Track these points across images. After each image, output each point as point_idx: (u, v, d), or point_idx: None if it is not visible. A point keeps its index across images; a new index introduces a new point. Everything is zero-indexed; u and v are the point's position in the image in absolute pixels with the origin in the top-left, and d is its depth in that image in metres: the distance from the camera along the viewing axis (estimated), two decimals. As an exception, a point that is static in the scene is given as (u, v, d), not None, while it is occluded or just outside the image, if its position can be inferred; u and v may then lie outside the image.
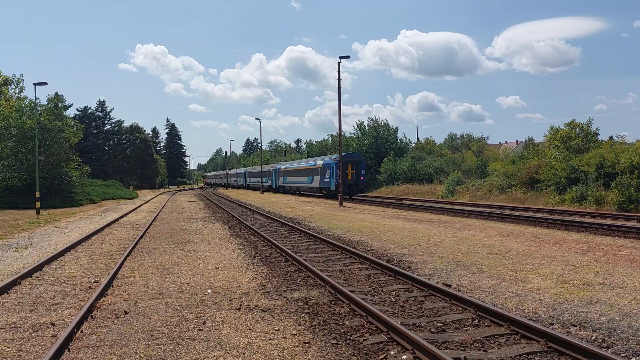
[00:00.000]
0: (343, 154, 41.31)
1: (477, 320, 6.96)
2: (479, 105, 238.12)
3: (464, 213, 25.33)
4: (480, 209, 28.52)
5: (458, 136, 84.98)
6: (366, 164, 51.99)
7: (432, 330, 6.59)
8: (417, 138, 79.03)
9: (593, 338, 6.21)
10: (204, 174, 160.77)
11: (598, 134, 42.10)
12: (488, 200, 35.37)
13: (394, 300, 8.20)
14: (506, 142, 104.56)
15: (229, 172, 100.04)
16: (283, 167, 57.90)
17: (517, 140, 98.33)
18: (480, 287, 8.96)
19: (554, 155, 39.02)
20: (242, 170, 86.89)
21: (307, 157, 66.45)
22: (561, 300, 7.92)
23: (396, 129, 63.05)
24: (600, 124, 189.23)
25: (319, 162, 45.51)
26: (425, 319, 7.08)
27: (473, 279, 9.58)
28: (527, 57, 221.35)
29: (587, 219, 21.19)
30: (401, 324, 6.59)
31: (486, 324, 6.83)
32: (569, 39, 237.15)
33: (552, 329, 6.45)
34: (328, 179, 41.88)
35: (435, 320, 7.00)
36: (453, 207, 29.81)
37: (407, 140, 64.78)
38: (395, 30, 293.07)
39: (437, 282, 9.14)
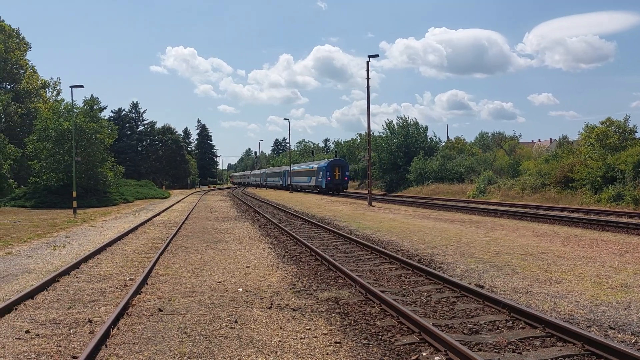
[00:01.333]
0: (331, 160, 54.32)
1: (511, 322, 6.84)
2: (510, 102, 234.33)
3: (496, 213, 24.92)
4: (513, 208, 28.00)
5: (489, 134, 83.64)
6: (397, 164, 53.53)
7: (465, 331, 6.51)
8: (447, 137, 78.25)
9: (632, 341, 6.04)
10: (231, 174, 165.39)
11: (636, 132, 40.83)
12: (521, 200, 34.71)
13: (425, 301, 8.14)
14: (539, 141, 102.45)
15: (251, 173, 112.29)
16: (290, 169, 67.18)
17: (550, 139, 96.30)
18: (513, 288, 8.80)
19: (589, 153, 38.01)
20: (262, 171, 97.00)
21: (336, 157, 72.62)
22: (598, 302, 7.72)
23: (426, 128, 62.47)
24: (638, 121, 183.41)
25: (315, 165, 56.75)
26: (458, 320, 7.00)
27: (506, 280, 9.42)
28: (560, 54, 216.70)
29: (624, 219, 20.56)
30: (433, 324, 6.53)
31: (520, 325, 6.71)
32: (603, 34, 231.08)
33: (589, 331, 6.29)
34: (320, 179, 52.53)
35: (468, 322, 6.91)
36: (485, 207, 29.36)
37: (437, 139, 64.12)
38: (423, 28, 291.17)
39: (470, 283, 9.02)
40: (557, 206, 28.20)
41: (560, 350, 5.80)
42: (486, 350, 5.84)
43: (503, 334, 6.42)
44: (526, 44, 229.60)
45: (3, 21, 55.56)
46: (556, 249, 12.77)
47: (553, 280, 9.29)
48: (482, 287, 8.84)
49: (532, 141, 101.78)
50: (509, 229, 17.54)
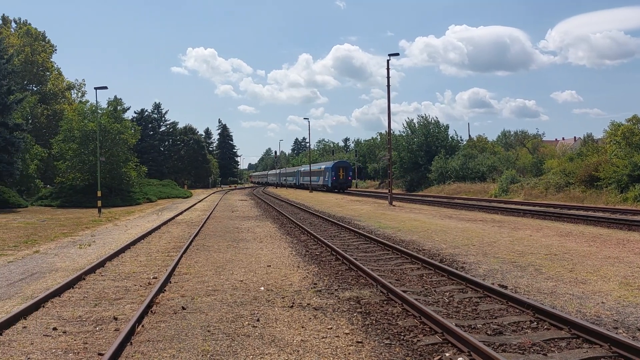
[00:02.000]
0: (336, 162, 61.76)
1: (535, 323, 6.75)
2: (533, 100, 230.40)
3: (519, 212, 24.59)
4: (537, 208, 27.60)
5: (512, 133, 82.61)
6: (417, 163, 53.73)
7: (489, 332, 6.44)
8: (469, 135, 77.33)
9: (662, 344, 5.89)
10: (250, 174, 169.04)
11: (663, 129, 39.80)
12: (544, 199, 34.19)
13: (447, 301, 8.07)
14: (563, 139, 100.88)
15: (268, 173, 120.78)
16: (302, 169, 76.04)
17: (574, 137, 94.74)
18: (538, 288, 8.68)
19: (615, 152, 37.24)
20: (278, 171, 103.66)
21: (356, 156, 75.89)
22: (625, 304, 7.57)
23: (447, 127, 61.95)
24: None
25: (322, 166, 64.49)
26: (481, 321, 6.93)
27: (530, 281, 9.29)
28: (584, 50, 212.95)
29: (652, 219, 20.09)
30: (456, 325, 6.48)
31: (545, 326, 6.61)
32: (628, 29, 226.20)
33: (617, 333, 6.18)
34: (327, 179, 59.71)
35: (492, 322, 6.84)
36: (507, 206, 28.98)
37: (459, 138, 63.52)
38: (444, 26, 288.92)
39: (493, 283, 8.92)
40: (581, 205, 27.70)
41: (587, 352, 5.70)
42: (510, 352, 5.77)
43: (527, 335, 6.33)
44: (549, 40, 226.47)
45: (29, 24, 56.79)
46: (581, 249, 12.55)
47: (578, 281, 9.13)
48: (506, 287, 8.74)
49: (556, 139, 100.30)
50: (533, 228, 17.29)
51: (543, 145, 74.02)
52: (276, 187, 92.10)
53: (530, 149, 66.46)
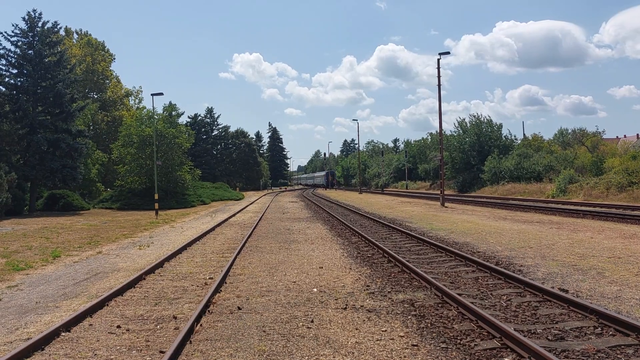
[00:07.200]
0: (327, 170, 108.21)
1: (599, 329, 6.47)
2: (590, 97, 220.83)
3: (578, 213, 23.60)
4: (597, 209, 26.40)
5: (569, 131, 79.29)
6: (470, 163, 52.77)
7: (550, 337, 6.23)
8: (523, 134, 75.02)
9: None
10: (292, 176, 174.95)
11: None
12: (605, 199, 32.66)
13: (505, 305, 7.86)
14: (625, 136, 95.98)
15: (300, 177, 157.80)
16: (315, 175, 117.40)
17: (637, 134, 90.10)
18: (601, 293, 8.32)
19: (684, 149, 35.15)
20: (305, 175, 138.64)
21: (405, 158, 79.12)
22: (699, 311, 7.13)
23: (500, 126, 60.03)
24: None
25: (322, 173, 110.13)
26: (541, 326, 6.71)
27: (593, 285, 8.92)
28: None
29: None
30: (515, 329, 6.30)
31: (610, 332, 6.34)
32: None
33: (690, 341, 5.84)
34: (324, 181, 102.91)
35: (553, 327, 6.61)
36: (565, 207, 27.89)
37: (513, 137, 61.62)
38: (490, 23, 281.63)
39: (553, 287, 8.62)
40: (647, 206, 26.27)
41: (657, 360, 5.42)
42: (573, 358, 5.57)
43: (591, 341, 6.08)
44: (603, 34, 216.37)
45: (90, 35, 59.52)
46: (648, 252, 11.92)
47: (646, 286, 8.68)
48: (567, 291, 8.42)
49: (617, 137, 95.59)
50: (594, 230, 16.58)
51: (603, 143, 70.61)
52: (325, 189, 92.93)
53: (590, 148, 63.65)
